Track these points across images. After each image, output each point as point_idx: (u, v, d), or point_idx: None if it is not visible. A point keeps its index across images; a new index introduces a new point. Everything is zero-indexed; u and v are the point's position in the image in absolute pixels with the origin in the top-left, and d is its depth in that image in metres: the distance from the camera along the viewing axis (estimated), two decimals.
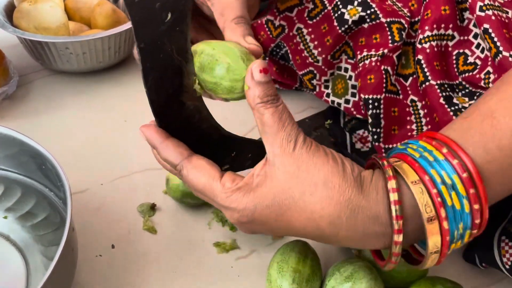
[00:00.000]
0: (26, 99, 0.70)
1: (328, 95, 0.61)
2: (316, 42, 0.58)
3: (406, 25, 0.54)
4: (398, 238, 0.31)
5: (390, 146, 0.53)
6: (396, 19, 0.54)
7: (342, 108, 0.59)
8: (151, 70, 0.36)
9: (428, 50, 0.51)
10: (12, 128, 0.46)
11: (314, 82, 0.61)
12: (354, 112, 0.58)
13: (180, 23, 0.36)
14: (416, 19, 0.54)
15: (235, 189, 0.33)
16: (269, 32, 0.62)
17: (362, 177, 0.33)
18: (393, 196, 0.31)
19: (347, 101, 0.59)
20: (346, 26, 0.54)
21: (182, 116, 0.39)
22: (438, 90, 0.50)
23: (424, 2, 0.52)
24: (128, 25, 0.70)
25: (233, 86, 0.35)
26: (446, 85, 0.51)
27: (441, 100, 0.50)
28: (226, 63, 0.34)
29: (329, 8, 0.56)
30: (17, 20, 0.69)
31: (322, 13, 0.57)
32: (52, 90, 0.72)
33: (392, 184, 0.31)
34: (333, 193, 0.31)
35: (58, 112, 0.68)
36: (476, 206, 0.31)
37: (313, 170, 0.32)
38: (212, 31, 0.46)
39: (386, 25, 0.54)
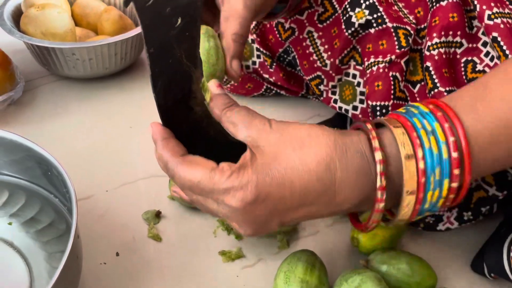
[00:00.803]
0: (32, 105, 0.70)
1: (335, 101, 0.60)
2: (326, 46, 0.57)
3: (412, 32, 0.53)
4: (381, 168, 0.32)
5: None
6: (402, 25, 0.53)
7: (349, 114, 0.59)
8: (160, 75, 0.36)
9: (436, 57, 0.51)
10: (17, 134, 0.46)
11: (322, 87, 0.61)
12: (362, 119, 0.57)
13: (190, 28, 0.36)
14: (422, 26, 0.54)
15: (234, 169, 0.34)
16: (278, 35, 0.62)
17: (342, 130, 0.35)
18: (372, 134, 0.33)
19: (355, 108, 0.58)
20: (353, 29, 0.54)
21: (189, 121, 0.39)
22: (446, 96, 0.49)
23: (432, 9, 0.52)
24: (135, 31, 0.70)
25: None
26: None
27: None
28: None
29: (339, 12, 0.56)
30: (25, 26, 0.69)
31: (333, 16, 0.57)
32: (58, 95, 0.72)
33: (369, 126, 0.34)
34: (319, 139, 0.33)
35: (63, 118, 0.68)
36: (455, 154, 0.32)
37: (293, 130, 0.34)
38: (217, 15, 0.48)
39: (392, 30, 0.53)
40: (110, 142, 0.64)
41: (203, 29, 0.42)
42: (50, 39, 0.69)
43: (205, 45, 0.41)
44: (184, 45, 0.36)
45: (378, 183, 0.33)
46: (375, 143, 0.33)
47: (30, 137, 0.46)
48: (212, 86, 0.38)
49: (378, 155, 0.33)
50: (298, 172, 0.33)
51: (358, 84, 0.58)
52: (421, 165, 0.32)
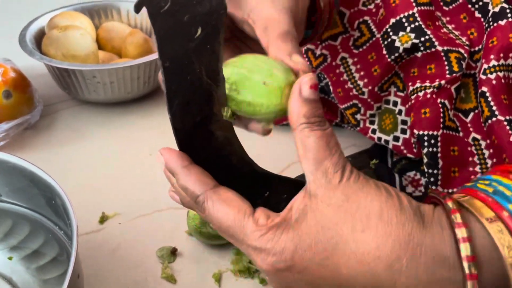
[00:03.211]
0: (50, 129, 0.67)
1: (374, 131, 0.54)
2: (362, 73, 0.52)
3: (465, 55, 0.47)
4: (472, 286, 0.25)
5: (450, 190, 0.46)
6: (454, 48, 0.48)
7: (390, 146, 0.52)
8: (177, 94, 0.31)
9: (494, 82, 0.44)
10: (24, 159, 0.42)
11: (358, 116, 0.55)
12: (405, 151, 0.51)
13: (212, 40, 0.31)
14: (477, 48, 0.48)
15: (271, 225, 0.27)
16: (308, 63, 0.57)
17: (422, 211, 0.27)
18: (461, 232, 0.25)
19: (396, 139, 0.52)
20: (397, 54, 0.49)
21: (210, 147, 0.33)
22: (508, 127, 0.43)
23: (488, 29, 0.46)
24: None
25: (267, 102, 0.29)
26: None
27: None
28: (260, 78, 0.29)
29: (378, 36, 0.51)
30: (46, 47, 0.67)
31: (370, 41, 0.51)
32: (77, 120, 0.69)
33: (457, 218, 0.26)
34: (390, 228, 0.26)
35: (81, 144, 0.65)
36: None
37: (364, 202, 0.26)
38: (255, 51, 0.41)
39: (442, 54, 0.47)
40: (128, 170, 0.60)
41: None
42: (71, 61, 0.66)
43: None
44: (205, 60, 0.31)
45: None
46: (467, 249, 0.25)
47: (44, 163, 0.42)
48: (303, 84, 0.28)
49: (471, 268, 0.25)
50: (349, 259, 0.26)
51: (400, 112, 0.52)
52: None
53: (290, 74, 0.30)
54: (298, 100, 0.28)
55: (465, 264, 0.25)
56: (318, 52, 0.57)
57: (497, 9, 0.45)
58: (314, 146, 0.27)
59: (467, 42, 0.49)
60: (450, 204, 0.26)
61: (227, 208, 0.29)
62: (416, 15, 0.48)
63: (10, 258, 0.45)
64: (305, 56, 0.59)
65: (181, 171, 0.30)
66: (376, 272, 0.26)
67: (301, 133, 0.28)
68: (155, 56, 0.66)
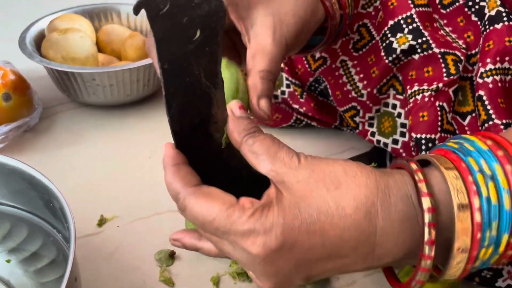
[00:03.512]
0: (49, 132, 0.67)
1: (373, 134, 0.54)
2: (361, 75, 0.52)
3: (462, 58, 0.47)
4: (430, 218, 0.27)
5: None
6: (451, 51, 0.48)
7: (389, 149, 0.53)
8: (175, 96, 0.31)
9: (490, 85, 0.44)
10: (23, 161, 0.42)
11: (357, 119, 0.55)
12: (404, 154, 0.51)
13: (211, 42, 0.32)
14: (473, 51, 0.48)
15: (257, 207, 0.28)
16: (307, 66, 0.57)
17: (380, 169, 0.30)
18: (418, 176, 0.28)
19: (395, 141, 0.52)
20: (394, 55, 0.49)
21: (208, 149, 0.34)
22: (504, 131, 0.43)
23: (484, 33, 0.46)
24: None
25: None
26: None
27: None
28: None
29: (377, 38, 0.51)
30: (45, 50, 0.67)
31: (370, 44, 0.52)
32: (77, 123, 0.69)
33: (414, 166, 0.28)
34: (358, 179, 0.28)
35: (80, 146, 0.65)
36: None
37: (327, 167, 0.29)
38: (239, 49, 0.43)
39: (439, 56, 0.48)
40: (127, 173, 0.60)
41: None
42: (70, 64, 0.66)
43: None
44: (203, 62, 0.31)
45: (426, 236, 0.27)
46: (423, 187, 0.27)
47: (42, 166, 0.43)
48: (233, 107, 0.33)
49: (427, 202, 0.27)
50: (332, 217, 0.27)
51: (399, 115, 0.52)
52: (478, 217, 0.27)
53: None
54: (234, 120, 0.32)
55: (424, 200, 0.27)
56: (317, 55, 0.57)
57: (493, 13, 0.45)
58: (262, 148, 0.30)
59: (463, 45, 0.49)
60: (412, 165, 0.29)
61: (211, 201, 0.29)
62: (414, 16, 0.48)
63: (8, 261, 0.45)
64: (304, 59, 0.59)
65: (170, 168, 0.31)
66: (358, 222, 0.27)
67: (247, 143, 0.30)
68: None
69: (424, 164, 0.30)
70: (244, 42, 0.39)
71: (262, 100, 0.36)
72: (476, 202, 0.27)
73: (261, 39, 0.38)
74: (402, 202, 0.28)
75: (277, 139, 0.31)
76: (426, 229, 0.27)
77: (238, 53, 0.44)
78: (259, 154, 0.30)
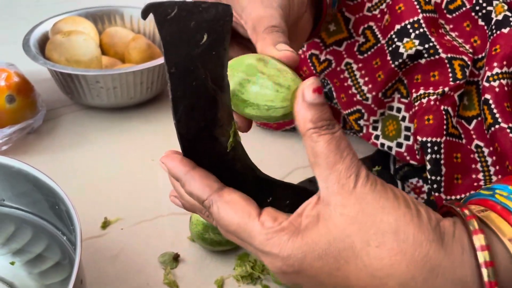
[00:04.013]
0: (52, 134, 0.67)
1: (377, 137, 0.54)
2: (366, 78, 0.52)
3: (469, 62, 0.47)
4: None
5: (453, 197, 0.46)
6: (458, 56, 0.48)
7: (393, 152, 0.52)
8: (182, 99, 0.31)
9: (497, 89, 0.44)
10: (26, 163, 0.42)
11: (361, 122, 0.55)
12: (408, 158, 0.51)
13: (217, 46, 0.32)
14: (480, 56, 0.48)
15: (278, 229, 0.26)
16: (312, 68, 0.57)
17: (442, 228, 0.26)
18: (483, 256, 0.24)
19: (399, 145, 0.52)
20: (401, 60, 0.49)
21: (214, 153, 0.33)
22: (511, 135, 0.43)
23: (491, 37, 0.46)
24: (163, 59, 0.67)
25: (274, 105, 0.30)
26: None
27: None
28: (265, 83, 0.30)
29: (383, 42, 0.51)
30: (49, 52, 0.67)
31: (375, 47, 0.52)
32: (80, 125, 0.69)
33: (480, 239, 0.25)
34: (406, 246, 0.24)
35: (83, 148, 0.65)
36: None
37: (381, 215, 0.25)
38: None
39: (446, 61, 0.48)
40: (130, 175, 0.60)
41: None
42: (74, 66, 0.66)
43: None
44: (210, 66, 0.31)
45: None
46: (489, 274, 0.24)
47: (46, 167, 0.42)
48: (306, 89, 0.26)
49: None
50: (360, 272, 0.25)
51: (403, 118, 0.52)
52: None
53: (296, 77, 0.30)
54: (302, 105, 0.26)
55: None
56: (322, 57, 0.57)
57: (500, 17, 0.46)
58: (324, 151, 0.26)
59: (470, 50, 0.49)
60: (474, 222, 0.25)
61: (232, 211, 0.28)
62: (421, 21, 0.48)
63: (12, 263, 0.45)
64: (309, 61, 0.59)
65: (185, 177, 0.30)
66: (387, 287, 0.25)
67: (310, 138, 0.27)
68: (158, 61, 0.67)
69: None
70: (242, 33, 0.39)
71: (279, 45, 0.32)
72: None
73: (254, 12, 0.36)
74: (453, 286, 0.25)
75: (346, 144, 0.27)
76: None
77: (245, 47, 0.43)
78: (318, 156, 0.26)
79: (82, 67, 0.67)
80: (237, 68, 0.33)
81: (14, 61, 0.67)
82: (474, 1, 0.49)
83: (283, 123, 0.65)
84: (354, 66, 0.54)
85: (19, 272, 0.44)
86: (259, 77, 0.31)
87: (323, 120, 0.26)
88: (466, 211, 0.26)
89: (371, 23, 0.52)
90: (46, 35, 0.73)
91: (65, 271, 0.43)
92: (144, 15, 0.28)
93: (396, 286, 0.25)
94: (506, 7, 0.46)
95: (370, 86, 0.52)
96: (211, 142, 0.34)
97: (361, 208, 0.25)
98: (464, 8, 0.49)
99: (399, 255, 0.24)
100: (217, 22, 0.31)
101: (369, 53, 0.52)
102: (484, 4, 0.48)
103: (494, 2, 0.47)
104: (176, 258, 0.48)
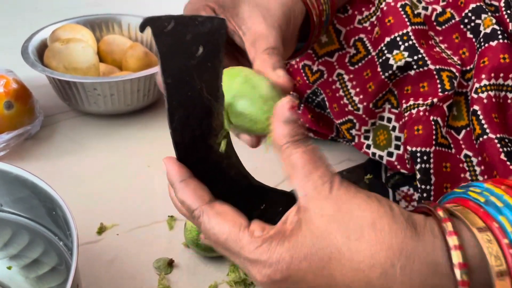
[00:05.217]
0: (50, 140, 0.68)
1: (368, 146, 0.55)
2: (358, 89, 0.53)
3: (457, 74, 0.49)
4: None
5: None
6: (446, 67, 0.49)
7: (384, 161, 0.54)
8: (178, 109, 0.32)
9: (485, 101, 0.46)
10: (24, 169, 0.43)
11: (353, 132, 0.56)
12: (398, 167, 0.52)
13: (212, 58, 0.33)
14: (468, 67, 0.50)
15: (266, 237, 0.28)
16: (305, 78, 0.59)
17: (413, 220, 0.28)
18: (453, 240, 0.26)
19: (390, 154, 0.53)
20: (390, 71, 0.50)
21: (208, 160, 0.34)
22: (498, 145, 0.44)
23: (479, 50, 0.48)
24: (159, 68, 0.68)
25: (252, 125, 0.33)
26: (507, 140, 0.45)
27: (502, 156, 0.44)
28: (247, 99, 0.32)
29: (373, 53, 0.52)
30: (48, 59, 0.68)
31: (366, 59, 0.53)
32: (77, 132, 0.70)
33: (448, 226, 0.26)
34: (383, 236, 0.26)
35: (80, 154, 0.65)
36: None
37: (357, 211, 0.27)
38: (242, 62, 0.43)
39: (435, 72, 0.49)
40: (126, 181, 0.61)
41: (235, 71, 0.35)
42: (72, 74, 0.67)
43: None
44: (205, 77, 0.32)
45: None
46: (459, 257, 0.26)
47: (43, 174, 0.43)
48: (282, 107, 0.29)
49: (462, 275, 0.25)
50: (343, 268, 0.26)
51: (394, 128, 0.53)
52: None
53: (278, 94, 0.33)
54: (279, 123, 0.29)
55: (457, 271, 0.26)
56: (315, 68, 0.58)
57: (488, 30, 0.47)
58: (300, 162, 0.28)
59: (458, 62, 0.50)
60: (441, 213, 0.27)
61: (222, 221, 0.29)
62: (410, 34, 0.49)
63: (9, 268, 0.45)
64: (302, 71, 0.60)
65: (179, 185, 0.31)
66: (370, 279, 0.26)
67: (286, 152, 0.29)
68: (155, 69, 0.68)
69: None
70: (238, 42, 0.40)
71: (278, 70, 0.34)
72: None
73: (255, 27, 0.37)
74: (427, 270, 0.26)
75: (319, 155, 0.29)
76: None
77: (238, 61, 0.45)
78: (294, 167, 0.28)
79: (80, 74, 0.68)
80: (231, 86, 0.34)
81: (12, 68, 0.68)
82: (463, 14, 0.50)
83: None
84: (346, 77, 0.55)
85: (16, 276, 0.45)
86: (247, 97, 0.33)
87: (298, 135, 0.29)
88: (438, 208, 0.28)
89: (362, 35, 0.53)
90: (44, 42, 0.74)
91: (61, 276, 0.43)
92: (142, 28, 0.29)
93: (378, 277, 0.26)
94: (494, 20, 0.47)
95: (361, 96, 0.53)
96: (205, 150, 0.35)
97: (338, 207, 0.27)
98: (453, 21, 0.51)
99: (377, 245, 0.26)
100: (212, 35, 0.32)
101: (360, 64, 0.54)
102: (473, 17, 0.49)
103: (483, 16, 0.48)
104: (170, 264, 0.49)
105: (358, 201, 0.27)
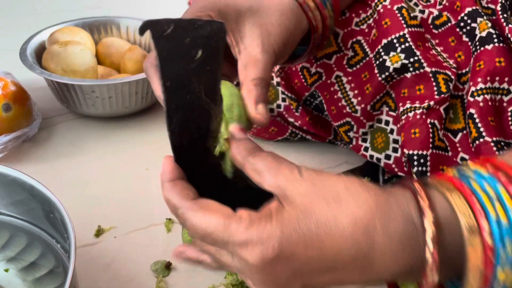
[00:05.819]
0: (48, 142, 0.68)
1: (366, 149, 0.56)
2: (356, 91, 0.53)
3: (452, 77, 0.49)
4: (432, 240, 0.27)
5: None
6: (442, 70, 0.49)
7: (382, 164, 0.54)
8: (176, 112, 0.32)
9: (481, 104, 0.46)
10: (22, 172, 0.43)
11: (351, 134, 0.56)
12: (396, 169, 0.52)
13: (211, 61, 0.33)
14: (464, 71, 0.50)
15: (255, 218, 0.29)
16: (303, 80, 0.59)
17: (383, 187, 0.30)
18: (421, 196, 0.28)
19: (387, 157, 0.53)
20: (387, 73, 0.50)
21: (207, 163, 0.35)
22: (495, 148, 0.45)
23: (475, 53, 0.48)
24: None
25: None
26: (503, 143, 0.45)
27: None
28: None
29: (371, 56, 0.52)
30: (46, 62, 0.68)
31: (363, 61, 0.53)
32: (75, 134, 0.70)
33: (418, 185, 0.29)
34: (358, 194, 0.28)
35: (78, 157, 0.65)
36: None
37: (329, 182, 0.29)
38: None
39: (431, 75, 0.49)
40: (124, 184, 0.61)
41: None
42: (71, 76, 0.67)
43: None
44: (204, 80, 0.33)
45: (429, 260, 0.27)
46: (426, 207, 0.27)
47: (41, 176, 0.43)
48: (233, 131, 0.34)
49: (430, 224, 0.27)
50: (330, 231, 0.28)
51: (391, 131, 0.53)
52: (488, 240, 0.26)
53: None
54: (235, 143, 0.33)
55: (427, 221, 0.27)
56: (313, 70, 0.58)
57: (484, 34, 0.47)
58: (264, 165, 0.31)
59: (454, 65, 0.50)
60: (415, 184, 0.29)
61: (208, 214, 0.30)
62: (407, 36, 0.50)
63: (6, 270, 0.45)
64: (300, 74, 0.60)
65: (167, 184, 0.32)
66: (356, 237, 0.28)
67: (249, 163, 0.32)
68: None
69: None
70: (234, 54, 0.40)
71: (260, 105, 0.37)
72: (485, 225, 0.26)
73: (251, 49, 0.39)
74: (402, 219, 0.28)
75: (278, 156, 0.32)
76: (428, 253, 0.27)
77: (231, 66, 0.45)
78: (261, 171, 0.31)
79: (78, 77, 0.68)
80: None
81: (11, 70, 0.68)
82: (459, 18, 0.50)
83: (275, 134, 0.66)
84: (344, 79, 0.55)
85: (13, 279, 0.45)
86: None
87: (253, 147, 0.33)
88: (409, 178, 0.30)
89: (359, 37, 0.54)
90: (43, 45, 0.74)
91: (59, 279, 0.43)
92: (142, 31, 0.30)
93: (362, 233, 0.28)
94: (489, 24, 0.47)
95: (359, 98, 0.53)
96: (204, 153, 0.35)
97: (312, 184, 0.29)
98: (449, 24, 0.51)
99: (354, 203, 0.28)
100: (211, 39, 0.32)
101: (358, 66, 0.54)
102: (469, 21, 0.49)
103: (478, 19, 0.49)
104: (168, 266, 0.49)
105: (328, 176, 0.30)
